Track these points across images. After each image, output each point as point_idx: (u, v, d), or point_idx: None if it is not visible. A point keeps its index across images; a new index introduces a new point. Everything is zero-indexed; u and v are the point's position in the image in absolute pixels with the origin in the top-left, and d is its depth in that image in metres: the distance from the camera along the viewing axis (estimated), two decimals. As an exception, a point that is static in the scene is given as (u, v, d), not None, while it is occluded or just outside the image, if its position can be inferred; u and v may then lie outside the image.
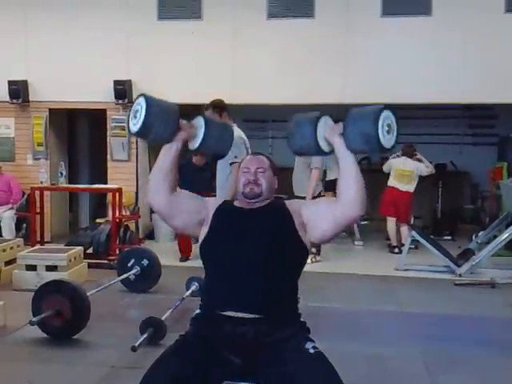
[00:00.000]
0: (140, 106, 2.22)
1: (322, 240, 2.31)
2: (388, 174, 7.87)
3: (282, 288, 2.21)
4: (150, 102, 2.22)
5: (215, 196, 4.55)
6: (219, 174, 4.70)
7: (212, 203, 2.38)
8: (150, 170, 9.86)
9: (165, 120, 2.24)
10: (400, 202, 7.62)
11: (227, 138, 2.43)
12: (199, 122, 2.33)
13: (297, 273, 2.30)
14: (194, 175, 6.49)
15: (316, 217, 2.24)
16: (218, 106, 4.68)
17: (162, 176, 2.29)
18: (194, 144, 2.33)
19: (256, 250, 2.19)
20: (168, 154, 2.30)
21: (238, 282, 2.16)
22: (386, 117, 2.13)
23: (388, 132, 2.12)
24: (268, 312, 2.14)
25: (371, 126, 2.09)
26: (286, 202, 2.37)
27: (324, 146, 2.22)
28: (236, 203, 2.41)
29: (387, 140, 2.12)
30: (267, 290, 2.16)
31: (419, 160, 7.78)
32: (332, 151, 2.22)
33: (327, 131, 2.19)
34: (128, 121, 2.29)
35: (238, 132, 4.79)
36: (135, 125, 2.24)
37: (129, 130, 2.30)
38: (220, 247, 2.25)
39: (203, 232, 2.31)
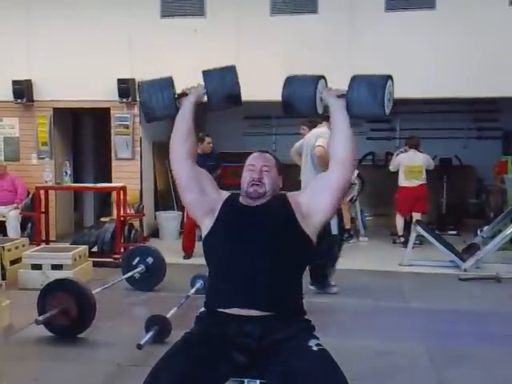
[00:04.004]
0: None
1: (328, 213, 2.27)
2: (393, 173, 7.78)
3: (286, 285, 2.20)
4: (140, 83, 2.51)
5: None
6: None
7: (224, 195, 2.38)
8: (154, 168, 9.78)
9: (158, 90, 2.41)
10: (415, 198, 7.56)
11: (228, 75, 2.49)
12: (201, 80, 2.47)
13: (301, 268, 2.30)
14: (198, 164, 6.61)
15: (314, 195, 2.28)
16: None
17: (180, 142, 2.37)
18: (204, 97, 2.45)
19: (260, 248, 2.18)
20: (183, 117, 2.39)
21: (242, 280, 2.15)
22: (390, 84, 2.23)
23: (389, 100, 2.22)
24: (273, 309, 2.13)
25: (379, 90, 2.18)
26: (288, 194, 2.37)
27: (318, 104, 2.30)
28: (241, 199, 2.38)
29: (387, 106, 2.21)
30: (272, 287, 2.15)
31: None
32: (325, 112, 2.32)
33: (326, 91, 2.31)
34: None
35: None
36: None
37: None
38: (223, 245, 2.25)
39: (209, 223, 2.30)
